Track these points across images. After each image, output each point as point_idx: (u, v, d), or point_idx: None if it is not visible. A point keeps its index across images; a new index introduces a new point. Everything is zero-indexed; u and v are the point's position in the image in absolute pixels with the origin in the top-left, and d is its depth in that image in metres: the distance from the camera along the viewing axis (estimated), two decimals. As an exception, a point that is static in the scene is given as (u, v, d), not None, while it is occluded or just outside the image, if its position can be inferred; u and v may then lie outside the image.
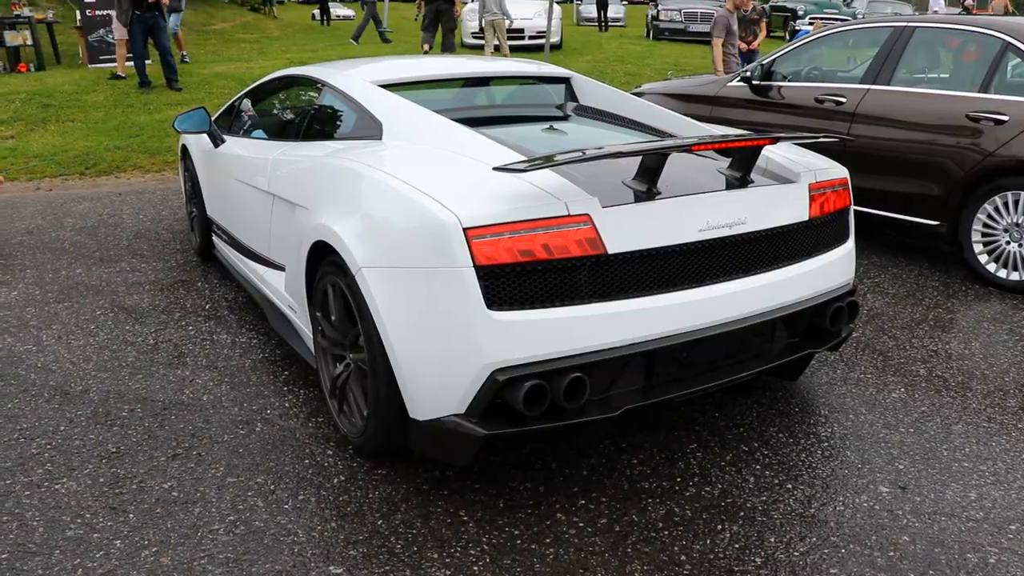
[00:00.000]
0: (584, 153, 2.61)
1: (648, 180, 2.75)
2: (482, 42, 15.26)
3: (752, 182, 3.00)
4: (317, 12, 34.40)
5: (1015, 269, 4.90)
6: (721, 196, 2.87)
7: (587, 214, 2.57)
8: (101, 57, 13.17)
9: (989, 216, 4.97)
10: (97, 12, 13.08)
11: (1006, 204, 4.88)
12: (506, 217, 2.50)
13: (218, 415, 3.42)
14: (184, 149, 5.46)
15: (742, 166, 3.00)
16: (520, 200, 2.56)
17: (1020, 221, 4.83)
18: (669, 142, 2.84)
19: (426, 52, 14.32)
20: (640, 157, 2.76)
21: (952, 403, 3.57)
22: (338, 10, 37.82)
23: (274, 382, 3.71)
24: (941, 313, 4.62)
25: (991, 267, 5.01)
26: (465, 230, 2.48)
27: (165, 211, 6.67)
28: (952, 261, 5.51)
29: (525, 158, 2.79)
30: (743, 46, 10.80)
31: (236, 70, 13.12)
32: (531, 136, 3.68)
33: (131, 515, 2.76)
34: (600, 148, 2.69)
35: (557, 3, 16.84)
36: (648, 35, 23.93)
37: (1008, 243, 4.91)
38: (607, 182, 2.79)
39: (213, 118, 4.83)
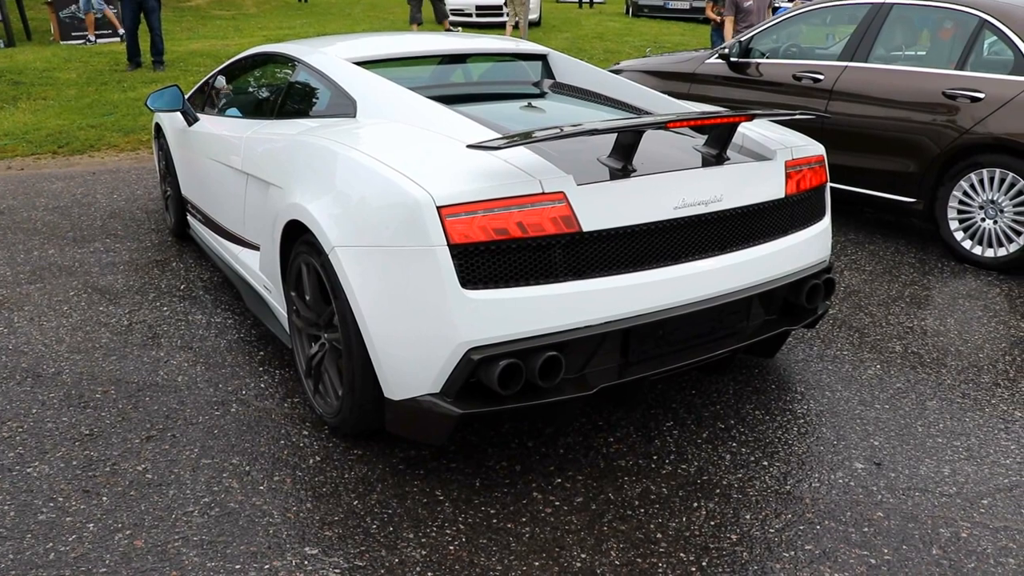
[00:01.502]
0: (561, 130, 2.59)
1: (623, 157, 2.73)
2: (460, 18, 15.26)
3: (728, 159, 2.99)
4: (294, -12, 33.98)
5: (990, 246, 4.93)
6: (697, 173, 2.85)
7: (562, 191, 2.55)
8: (73, 33, 12.97)
9: (965, 193, 4.99)
10: (68, -12, 12.89)
11: (981, 181, 4.90)
12: (480, 195, 2.48)
13: (193, 396, 3.39)
14: (158, 128, 5.39)
15: (718, 143, 2.99)
16: (494, 178, 2.53)
17: (995, 198, 4.86)
18: (644, 119, 2.81)
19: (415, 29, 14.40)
20: (616, 134, 2.75)
21: (927, 379, 3.59)
22: (316, -13, 37.41)
23: (250, 362, 3.68)
24: (917, 290, 4.64)
25: (966, 244, 5.03)
26: (439, 208, 2.46)
27: (140, 190, 6.59)
28: (928, 238, 5.54)
29: (499, 135, 2.76)
30: (716, 20, 10.78)
31: (212, 47, 12.94)
32: (507, 113, 3.65)
33: (104, 498, 2.73)
34: (575, 125, 2.67)
35: None
36: (628, 12, 23.84)
37: (983, 220, 4.94)
38: (582, 160, 2.77)
39: (187, 96, 4.76)
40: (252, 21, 18.19)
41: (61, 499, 2.73)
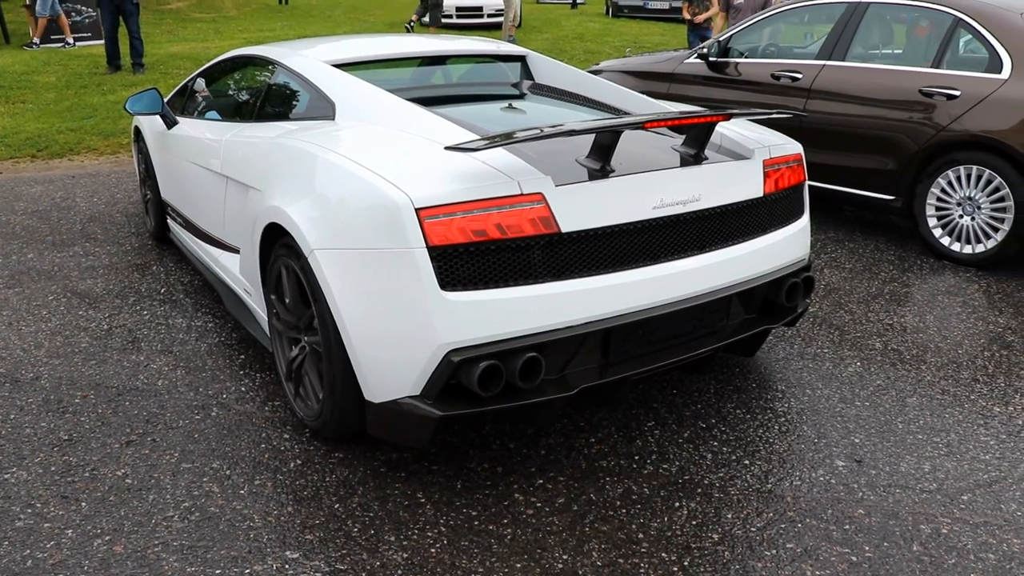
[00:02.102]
0: (540, 131, 2.59)
1: (602, 158, 2.74)
2: (452, 20, 15.68)
3: (706, 159, 3.00)
4: (276, -10, 33.89)
5: (968, 242, 4.97)
6: (675, 173, 2.86)
7: (540, 192, 2.55)
8: (52, 36, 12.87)
9: (943, 190, 5.02)
10: (47, -10, 12.77)
11: (959, 178, 4.94)
12: (458, 197, 2.48)
13: (173, 400, 3.37)
14: (137, 131, 5.36)
15: (696, 143, 3.00)
16: (473, 179, 2.53)
17: (973, 195, 4.90)
18: (622, 119, 2.82)
19: (411, 24, 14.69)
20: (594, 135, 2.75)
21: (907, 376, 3.62)
22: (298, -12, 37.31)
23: (230, 366, 3.66)
24: (896, 287, 4.67)
25: (945, 240, 5.07)
26: (417, 210, 2.45)
27: (120, 194, 6.55)
28: (907, 236, 5.58)
29: (478, 137, 2.76)
30: (692, 20, 10.80)
31: (192, 50, 12.88)
32: (486, 115, 3.65)
33: (83, 504, 2.71)
34: (554, 126, 2.67)
35: None
36: (607, 12, 23.86)
37: (961, 217, 4.98)
38: (561, 161, 2.77)
39: (166, 99, 4.74)
40: (232, 24, 18.11)
41: (39, 505, 2.70)
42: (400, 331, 2.55)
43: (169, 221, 4.98)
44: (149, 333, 4.00)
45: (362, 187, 2.61)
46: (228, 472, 2.89)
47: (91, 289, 4.55)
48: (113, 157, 7.85)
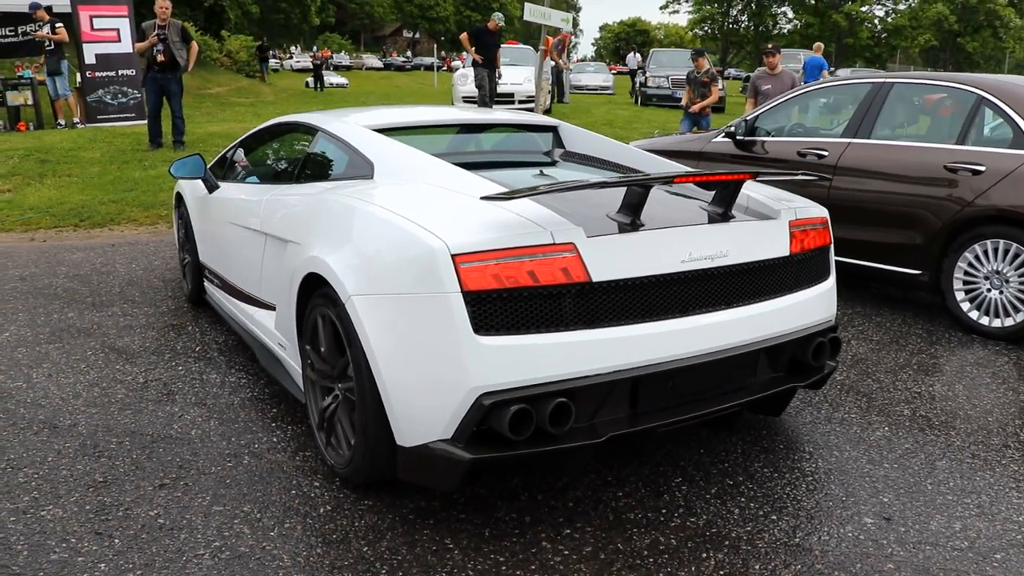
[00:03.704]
0: (574, 184, 2.69)
1: (632, 213, 2.83)
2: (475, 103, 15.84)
3: (734, 217, 3.08)
4: (311, 79, 35.17)
5: (996, 316, 4.98)
6: (703, 229, 2.94)
7: (572, 242, 2.64)
8: (99, 116, 13.39)
9: (970, 264, 5.06)
10: (97, 73, 13.35)
11: (986, 252, 4.98)
12: (493, 244, 2.57)
13: (206, 448, 3.43)
14: (179, 197, 5.54)
15: (723, 202, 3.08)
16: (507, 228, 2.63)
17: (1000, 268, 4.93)
18: (652, 174, 2.92)
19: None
20: (624, 192, 2.85)
21: (936, 440, 3.61)
22: (332, 78, 38.64)
23: (262, 418, 3.72)
24: (924, 358, 4.68)
25: (973, 315, 5.08)
26: (453, 256, 2.54)
27: (157, 261, 6.73)
28: (935, 310, 5.59)
29: (503, 192, 2.86)
30: (695, 108, 10.95)
31: (230, 130, 13.31)
32: (520, 178, 3.77)
33: (116, 540, 2.75)
34: (586, 181, 2.77)
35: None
36: (636, 101, 24.43)
37: (989, 290, 5.00)
38: (592, 215, 2.87)
39: (208, 165, 4.92)
40: (270, 107, 18.77)
41: (74, 540, 2.75)
42: (433, 374, 2.61)
43: (206, 284, 5.11)
44: (184, 387, 4.08)
45: (399, 235, 2.71)
46: (258, 515, 2.92)
47: (128, 346, 4.66)
48: (152, 228, 8.08)
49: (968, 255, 5.06)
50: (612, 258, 2.69)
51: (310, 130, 4.21)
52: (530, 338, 2.59)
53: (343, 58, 67.98)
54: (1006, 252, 4.90)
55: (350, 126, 3.92)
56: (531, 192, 2.64)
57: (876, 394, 4.12)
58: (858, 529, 2.89)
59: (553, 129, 4.53)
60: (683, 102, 11.42)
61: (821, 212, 3.41)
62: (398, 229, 2.74)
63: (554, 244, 2.62)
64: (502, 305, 2.57)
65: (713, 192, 3.18)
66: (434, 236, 2.60)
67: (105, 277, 6.16)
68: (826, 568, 2.66)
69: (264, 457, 3.36)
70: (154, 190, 9.18)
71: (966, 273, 5.09)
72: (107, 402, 3.88)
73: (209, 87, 22.14)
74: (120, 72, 13.54)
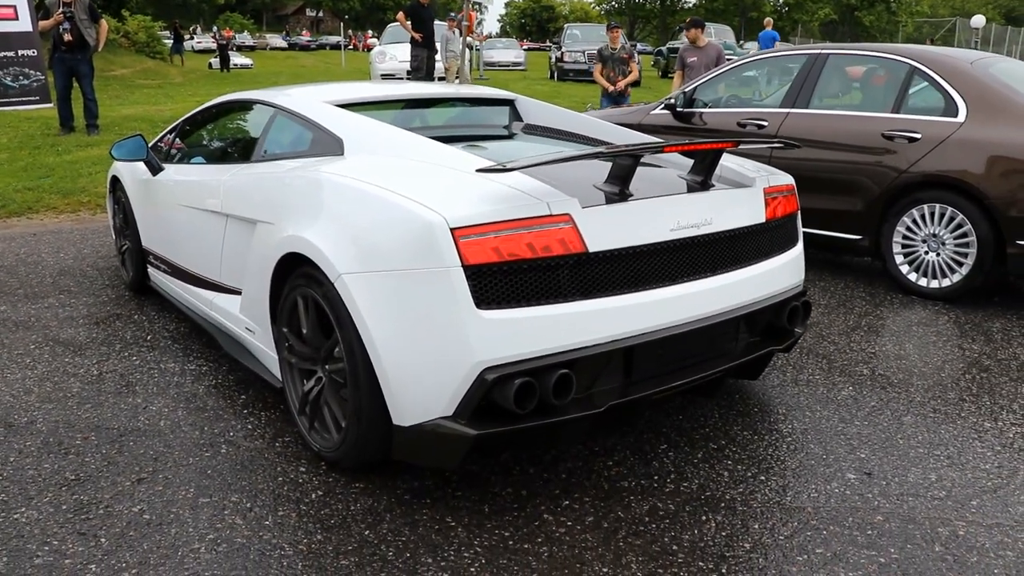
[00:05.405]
0: (571, 155, 2.68)
1: (621, 183, 2.83)
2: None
3: (713, 185, 3.12)
4: (214, 60, 34.21)
5: (934, 277, 5.18)
6: (688, 197, 2.98)
7: (568, 214, 2.63)
8: (0, 100, 12.72)
9: (908, 228, 5.25)
10: (-2, 54, 12.70)
11: (923, 216, 5.18)
12: (491, 217, 2.54)
13: (179, 439, 3.31)
14: (115, 180, 5.31)
15: (704, 171, 3.12)
16: (503, 201, 2.60)
17: (937, 232, 5.13)
18: (643, 144, 2.94)
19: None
20: (610, 162, 2.85)
21: (899, 397, 3.74)
22: (236, 59, 37.58)
23: (232, 405, 3.62)
24: (872, 320, 4.84)
25: (912, 276, 5.28)
26: (452, 230, 2.50)
27: (87, 249, 6.44)
28: (873, 273, 5.79)
29: (500, 164, 2.83)
30: (608, 86, 10.39)
31: (146, 112, 12.84)
32: (495, 149, 3.73)
33: (102, 539, 2.64)
34: (580, 151, 2.77)
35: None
36: (552, 76, 24.48)
37: (927, 253, 5.20)
38: (581, 186, 2.86)
39: (150, 146, 4.73)
40: (180, 89, 18.15)
41: (56, 542, 2.63)
42: (434, 351, 2.57)
43: (151, 270, 4.92)
44: (142, 377, 3.93)
45: (393, 210, 2.66)
46: (249, 505, 2.84)
47: (73, 338, 4.46)
48: (74, 215, 7.73)
49: (906, 219, 5.25)
50: (606, 228, 2.70)
51: (265, 107, 4.08)
52: (530, 311, 2.57)
53: (246, 38, 66.01)
54: (942, 216, 5.10)
55: (310, 102, 3.81)
56: (528, 164, 2.61)
57: (834, 356, 4.25)
58: (843, 485, 2.99)
59: (511, 103, 4.50)
60: (595, 78, 10.74)
61: (789, 179, 3.48)
62: (390, 204, 2.68)
63: (551, 215, 2.60)
64: (502, 278, 2.55)
65: (692, 161, 3.21)
66: (430, 210, 2.55)
67: (33, 267, 5.87)
68: (820, 523, 2.75)
69: (242, 445, 3.27)
70: (72, 176, 8.78)
71: (904, 237, 5.28)
72: (63, 397, 3.70)
73: (113, 68, 21.20)
74: (20, 52, 12.87)
